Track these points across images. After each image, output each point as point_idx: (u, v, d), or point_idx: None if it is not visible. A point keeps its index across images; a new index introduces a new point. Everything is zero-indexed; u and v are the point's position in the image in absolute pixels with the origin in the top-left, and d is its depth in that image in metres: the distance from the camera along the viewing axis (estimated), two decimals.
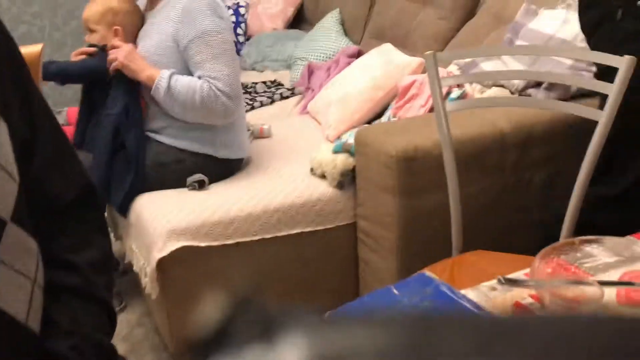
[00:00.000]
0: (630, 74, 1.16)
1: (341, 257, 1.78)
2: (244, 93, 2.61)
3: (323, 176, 1.76)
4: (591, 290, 0.63)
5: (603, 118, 1.19)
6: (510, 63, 1.85)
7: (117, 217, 1.88)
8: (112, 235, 1.82)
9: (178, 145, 1.73)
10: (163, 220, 1.59)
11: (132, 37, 1.78)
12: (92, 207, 0.73)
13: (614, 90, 1.18)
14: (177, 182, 1.73)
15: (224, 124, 1.73)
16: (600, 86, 1.27)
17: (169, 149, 1.73)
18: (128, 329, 1.89)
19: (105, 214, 1.90)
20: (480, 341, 0.20)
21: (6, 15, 3.34)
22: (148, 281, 1.61)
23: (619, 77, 1.16)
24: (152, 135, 1.75)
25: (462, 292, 0.72)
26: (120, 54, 1.67)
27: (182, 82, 1.64)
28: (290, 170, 1.81)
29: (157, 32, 1.70)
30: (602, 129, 1.20)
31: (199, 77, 1.64)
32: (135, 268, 1.73)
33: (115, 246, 1.92)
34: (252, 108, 2.49)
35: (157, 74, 1.65)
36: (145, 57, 1.69)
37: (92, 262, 0.69)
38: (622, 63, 1.16)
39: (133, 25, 1.79)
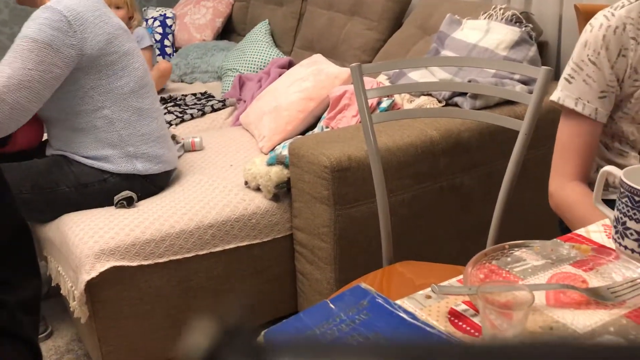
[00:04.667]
0: (547, 85, 1.21)
1: (278, 270, 1.76)
2: (173, 105, 2.56)
3: (258, 189, 1.74)
4: (522, 295, 0.64)
5: (523, 127, 1.24)
6: (437, 72, 1.90)
7: (41, 239, 1.79)
8: None
9: (97, 166, 1.67)
10: (90, 241, 1.53)
11: None
12: (25, 248, 0.72)
13: (532, 100, 1.22)
14: (102, 202, 1.68)
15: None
16: (520, 96, 1.31)
17: (90, 170, 1.67)
18: (57, 356, 1.79)
19: None
20: None
21: None
22: (76, 305, 1.54)
23: (537, 87, 1.21)
24: (71, 156, 1.68)
25: (398, 302, 0.73)
26: None
27: None
28: (223, 183, 1.79)
29: None
30: (522, 137, 1.24)
31: None
32: (62, 291, 1.65)
33: (41, 268, 1.83)
34: (183, 121, 2.44)
35: None
36: None
37: (21, 302, 0.67)
38: (540, 74, 1.20)
39: None
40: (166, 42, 3.33)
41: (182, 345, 0.22)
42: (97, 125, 1.65)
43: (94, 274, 1.49)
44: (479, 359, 0.22)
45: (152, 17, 3.39)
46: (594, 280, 0.76)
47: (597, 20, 1.09)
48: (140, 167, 1.69)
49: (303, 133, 2.05)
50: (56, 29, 1.52)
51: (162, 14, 3.39)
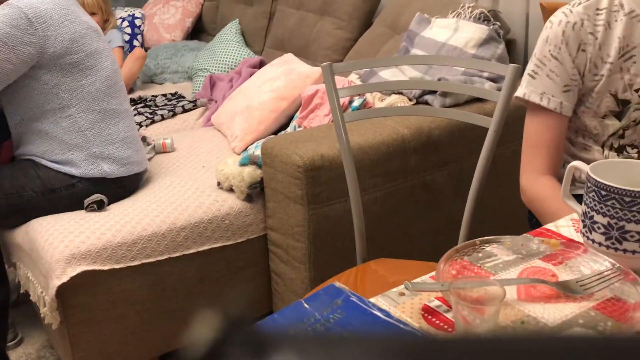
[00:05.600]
0: (515, 82, 1.23)
1: (253, 271, 1.76)
2: (143, 106, 2.53)
3: (231, 189, 1.73)
4: (493, 290, 0.65)
5: (492, 124, 1.25)
6: (407, 70, 1.91)
7: (10, 245, 1.75)
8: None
9: (64, 171, 1.64)
10: (60, 245, 1.50)
11: None
12: None
13: (501, 97, 1.24)
14: (71, 206, 1.65)
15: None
16: (489, 94, 1.33)
17: (57, 175, 1.64)
18: None
19: None
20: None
21: None
22: (47, 311, 1.51)
23: (506, 85, 1.23)
24: (37, 160, 1.66)
25: (372, 300, 0.73)
26: None
27: None
28: (196, 185, 1.77)
29: None
30: (492, 133, 1.26)
31: None
32: (32, 298, 1.62)
33: (10, 275, 1.79)
34: (153, 122, 2.41)
35: None
36: None
37: None
38: (508, 71, 1.22)
39: None
40: (135, 43, 3.29)
41: (185, 338, 0.22)
42: (62, 126, 1.62)
43: (64, 278, 1.47)
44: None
45: (120, 18, 3.34)
46: (564, 274, 0.77)
47: (557, 17, 1.11)
48: (107, 169, 1.67)
49: (275, 133, 2.05)
50: (14, 27, 1.51)
51: (131, 14, 3.35)
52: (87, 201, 1.64)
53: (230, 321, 0.22)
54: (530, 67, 1.15)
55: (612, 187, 0.76)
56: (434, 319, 0.70)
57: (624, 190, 0.75)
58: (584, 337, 0.23)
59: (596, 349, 0.22)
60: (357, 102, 1.83)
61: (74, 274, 1.48)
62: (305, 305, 0.65)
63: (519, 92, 1.16)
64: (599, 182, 0.77)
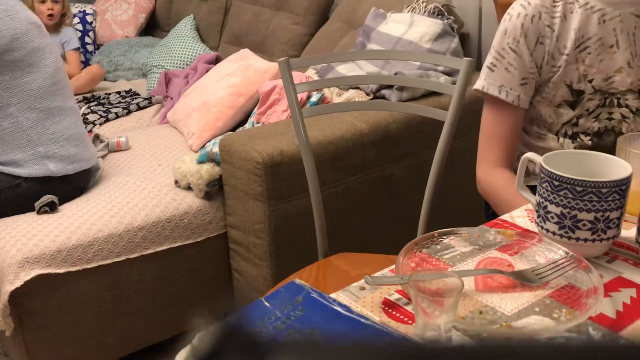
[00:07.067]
0: (470, 76, 1.24)
1: (214, 269, 1.74)
2: (97, 104, 2.47)
3: (189, 188, 1.71)
4: (452, 281, 0.66)
5: (448, 118, 1.27)
6: (364, 65, 1.92)
7: None
8: None
9: (7, 172, 1.59)
10: (13, 249, 1.45)
11: None
12: None
13: (456, 91, 1.26)
14: (17, 208, 1.60)
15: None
16: (444, 87, 1.35)
17: (0, 175, 1.59)
18: None
19: None
20: None
21: None
22: (0, 317, 1.46)
23: (460, 78, 1.25)
24: None
25: (333, 295, 0.73)
26: None
27: None
28: (153, 184, 1.74)
29: None
30: (448, 127, 1.27)
31: None
32: None
33: None
34: (107, 120, 2.36)
35: None
36: None
37: None
38: (462, 65, 1.24)
39: None
40: (87, 40, 3.21)
41: (182, 346, 0.22)
42: (3, 126, 1.57)
43: (18, 283, 1.42)
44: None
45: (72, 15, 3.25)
46: (520, 264, 0.79)
47: (515, 9, 1.13)
48: (53, 168, 1.62)
49: (233, 129, 2.03)
50: None
51: (82, 10, 3.27)
52: (37, 204, 1.59)
53: (227, 328, 0.22)
54: (488, 59, 1.16)
55: (564, 177, 0.77)
56: (394, 312, 0.71)
57: (576, 180, 0.77)
58: (574, 343, 0.23)
59: (587, 355, 0.23)
60: (315, 98, 1.83)
61: (27, 278, 1.43)
62: (266, 303, 0.65)
63: (478, 85, 1.18)
64: (552, 172, 0.79)
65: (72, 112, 1.69)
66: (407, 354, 0.23)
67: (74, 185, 1.68)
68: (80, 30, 3.20)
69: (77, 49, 2.89)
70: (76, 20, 3.20)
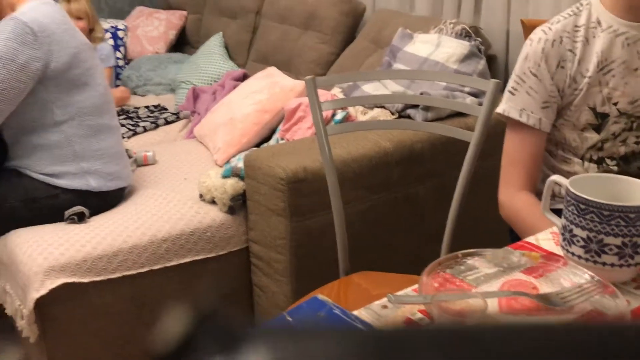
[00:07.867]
0: (496, 97, 1.24)
1: (235, 284, 1.74)
2: (125, 118, 2.52)
3: (213, 202, 1.72)
4: (475, 302, 0.66)
5: (474, 139, 1.27)
6: (390, 84, 1.93)
7: None
8: None
9: (48, 182, 1.63)
10: (39, 258, 1.48)
11: None
12: None
13: (482, 112, 1.26)
14: (51, 217, 1.63)
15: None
16: (470, 108, 1.35)
17: (41, 185, 1.62)
18: None
19: None
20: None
21: None
22: (25, 324, 1.48)
23: (486, 100, 1.25)
24: (22, 170, 1.63)
25: (355, 312, 0.73)
26: None
27: None
28: (178, 197, 1.76)
29: None
30: (473, 148, 1.27)
31: None
32: (8, 311, 1.59)
33: None
34: (135, 134, 2.40)
35: None
36: None
37: None
38: (489, 86, 1.24)
39: None
40: (118, 54, 3.27)
41: (156, 332, 0.22)
42: (52, 140, 1.61)
43: (43, 291, 1.45)
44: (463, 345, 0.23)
45: (104, 30, 3.33)
46: (544, 287, 0.78)
47: (536, 34, 1.13)
48: (93, 183, 1.66)
49: (258, 145, 2.05)
50: (21, 43, 1.48)
51: (114, 26, 3.34)
52: (67, 212, 1.62)
53: (201, 314, 0.22)
54: (510, 83, 1.17)
55: (591, 201, 0.77)
56: None
57: (603, 204, 0.76)
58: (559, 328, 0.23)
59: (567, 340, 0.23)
60: (339, 116, 1.84)
61: (53, 286, 1.45)
62: (288, 318, 0.65)
63: (499, 109, 1.18)
64: (578, 195, 0.78)
65: (116, 130, 1.74)
66: (385, 338, 0.22)
67: (107, 202, 1.71)
68: (112, 45, 3.27)
69: (112, 67, 2.95)
70: (108, 35, 3.28)
